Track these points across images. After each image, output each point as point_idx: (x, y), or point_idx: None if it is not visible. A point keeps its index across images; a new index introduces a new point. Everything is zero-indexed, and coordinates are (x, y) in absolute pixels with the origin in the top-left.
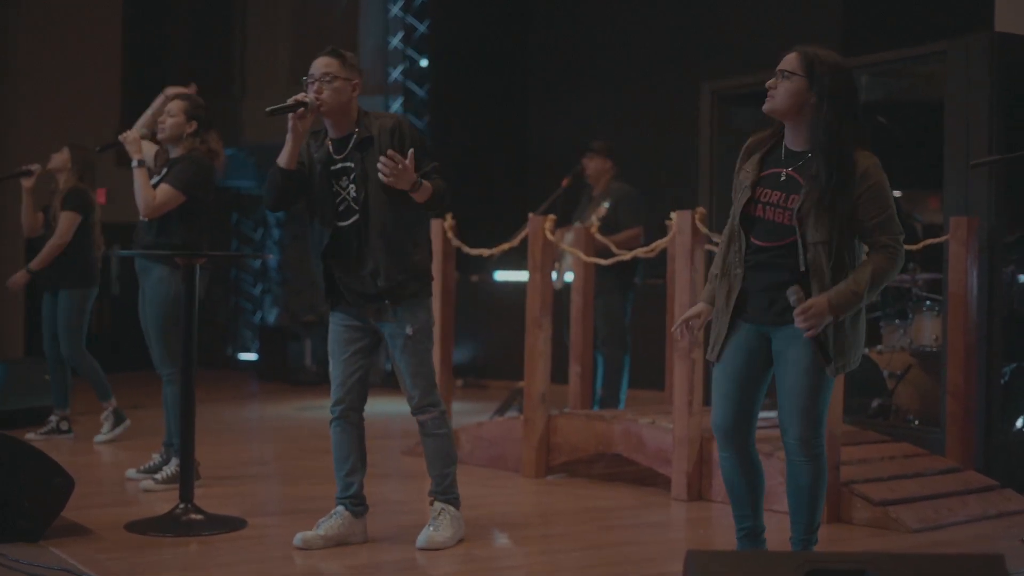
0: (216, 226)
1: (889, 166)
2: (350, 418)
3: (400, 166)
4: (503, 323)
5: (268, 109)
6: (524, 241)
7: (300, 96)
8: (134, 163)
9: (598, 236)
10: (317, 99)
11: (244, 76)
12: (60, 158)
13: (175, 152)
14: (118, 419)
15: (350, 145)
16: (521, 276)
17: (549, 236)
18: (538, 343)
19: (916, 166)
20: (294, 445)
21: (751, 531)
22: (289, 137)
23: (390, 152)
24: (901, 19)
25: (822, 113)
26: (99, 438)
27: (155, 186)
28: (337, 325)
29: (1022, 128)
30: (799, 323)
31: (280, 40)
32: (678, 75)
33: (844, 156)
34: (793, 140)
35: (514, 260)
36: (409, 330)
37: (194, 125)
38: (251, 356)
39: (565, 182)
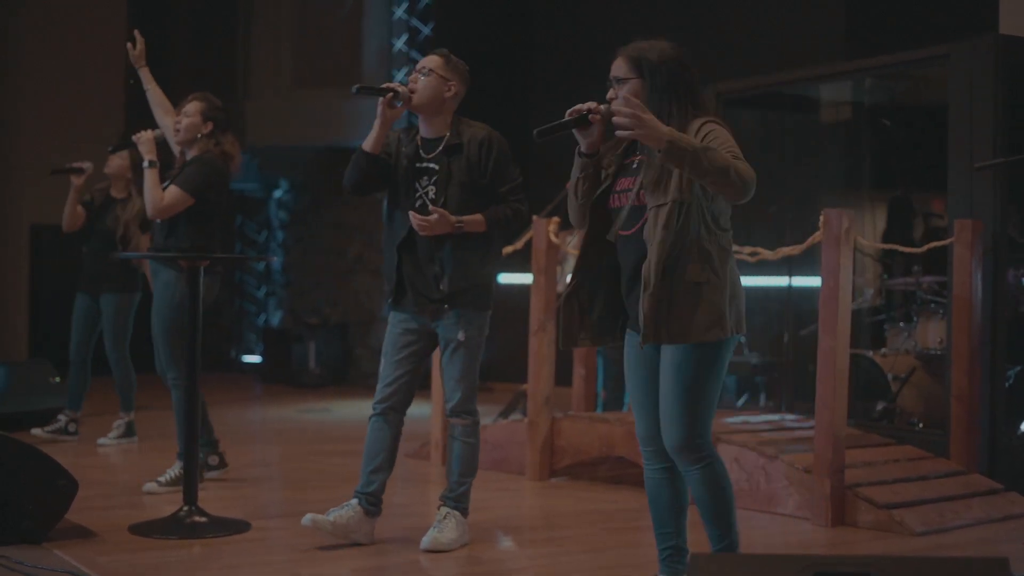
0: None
1: (893, 169)
2: (390, 418)
3: (432, 220)
4: (507, 326)
5: (355, 87)
6: (528, 244)
7: (393, 84)
8: (145, 163)
9: None
10: (411, 89)
11: (247, 78)
12: (119, 164)
13: (191, 153)
14: (128, 432)
15: (439, 148)
16: (525, 279)
17: (553, 239)
18: (542, 346)
19: (920, 169)
20: (298, 447)
21: (675, 550)
22: (377, 122)
23: (432, 209)
24: (904, 22)
25: (660, 105)
26: (103, 440)
27: (165, 187)
28: (395, 326)
29: None
30: (615, 107)
31: (283, 42)
32: None
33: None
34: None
35: (518, 263)
36: (461, 335)
37: (210, 126)
38: (255, 358)
39: (569, 185)
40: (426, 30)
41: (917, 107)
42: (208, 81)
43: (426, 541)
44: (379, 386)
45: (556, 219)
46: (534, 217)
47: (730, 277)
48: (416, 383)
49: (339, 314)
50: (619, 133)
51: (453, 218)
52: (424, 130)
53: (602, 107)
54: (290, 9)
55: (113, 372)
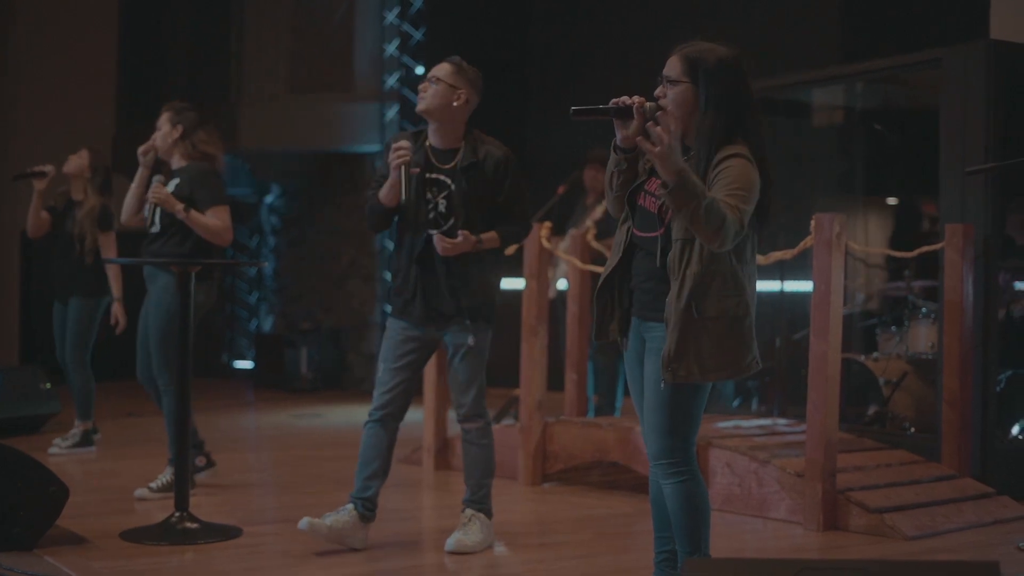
0: None
1: (885, 173)
2: (387, 424)
3: (457, 242)
4: (499, 331)
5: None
6: (520, 249)
7: (403, 162)
8: (180, 216)
9: (594, 243)
10: (420, 94)
11: (241, 82)
12: (78, 162)
13: (176, 162)
14: (85, 441)
15: (454, 161)
16: (517, 284)
17: (545, 244)
18: (534, 351)
19: (912, 173)
20: (290, 453)
21: (670, 556)
22: (389, 184)
23: (462, 233)
24: (898, 26)
25: (707, 114)
26: (53, 449)
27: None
28: (396, 333)
29: (1018, 135)
30: (660, 115)
31: (276, 47)
32: None
33: (712, 152)
34: (686, 137)
35: (510, 268)
36: (471, 340)
37: (180, 129)
38: (247, 364)
39: (561, 190)
40: (418, 35)
41: (909, 111)
42: (201, 86)
43: (451, 543)
44: (377, 392)
45: (548, 224)
46: None
47: (747, 313)
48: (413, 390)
49: (332, 319)
50: (639, 141)
51: (474, 238)
52: (434, 139)
53: (648, 104)
54: (283, 15)
55: (70, 378)
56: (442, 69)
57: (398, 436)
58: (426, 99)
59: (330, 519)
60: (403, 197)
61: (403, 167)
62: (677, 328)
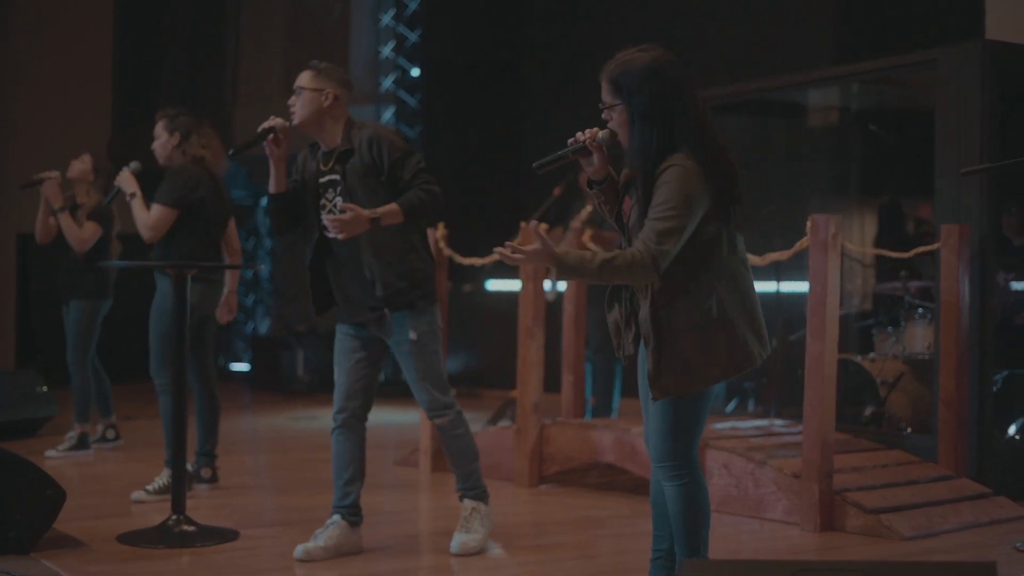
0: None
1: (881, 173)
2: (352, 427)
3: (346, 219)
4: (496, 333)
5: (231, 152)
6: None
7: (265, 124)
8: (128, 197)
9: (590, 244)
10: (291, 110)
11: (236, 86)
12: (81, 167)
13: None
14: (81, 444)
15: (333, 157)
16: (514, 285)
17: None
18: (531, 352)
19: (908, 174)
20: (287, 455)
21: (667, 555)
22: (271, 163)
23: (341, 205)
24: (892, 27)
25: (635, 132)
26: (51, 452)
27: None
28: (342, 334)
29: (1013, 136)
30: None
31: (272, 50)
32: None
33: (651, 169)
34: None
35: (506, 269)
36: (412, 335)
37: (177, 137)
38: (243, 366)
39: (557, 191)
40: (413, 36)
41: (905, 112)
42: (197, 89)
43: (455, 545)
44: (336, 395)
45: (544, 225)
46: (522, 224)
47: (726, 314)
48: (373, 388)
49: (327, 322)
50: (522, 260)
51: (367, 212)
52: (322, 143)
53: (600, 133)
54: (280, 18)
55: (71, 380)
56: (303, 77)
57: (393, 438)
58: (296, 111)
59: (322, 538)
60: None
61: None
62: (654, 345)
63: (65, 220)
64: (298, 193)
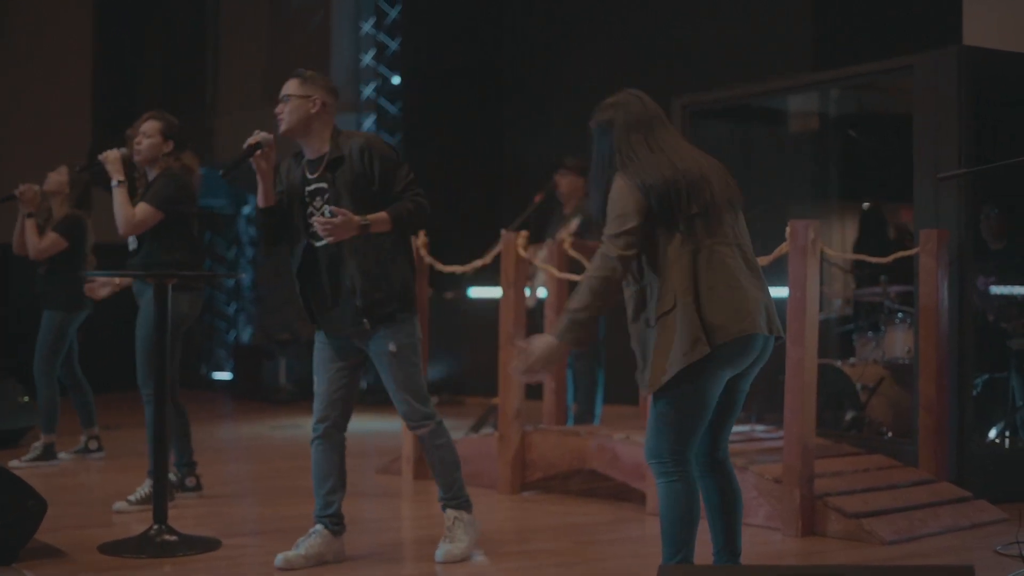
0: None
1: (860, 178)
2: (332, 436)
3: (336, 222)
4: (477, 340)
5: (222, 172)
6: (497, 258)
7: (250, 140)
8: (114, 183)
9: (571, 252)
10: (278, 118)
11: (216, 94)
12: (57, 180)
13: (152, 173)
14: (46, 455)
15: (322, 165)
16: (495, 293)
17: (522, 253)
18: (512, 359)
19: (887, 179)
20: (269, 464)
21: (725, 548)
22: (258, 177)
23: (333, 208)
24: (870, 33)
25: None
26: (15, 463)
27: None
28: (322, 343)
29: (990, 141)
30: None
31: (252, 58)
32: (650, 91)
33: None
34: None
35: (488, 277)
36: (392, 347)
37: (170, 145)
38: (225, 375)
39: (538, 199)
40: (394, 45)
41: (883, 117)
42: (177, 98)
43: (439, 554)
44: (316, 405)
45: (525, 233)
46: (503, 231)
47: (674, 304)
48: (353, 397)
49: (309, 330)
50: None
51: (357, 218)
52: (307, 152)
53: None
54: (260, 26)
55: (37, 390)
56: (290, 85)
57: (373, 446)
58: (284, 118)
59: (303, 547)
60: (276, 189)
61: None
62: (638, 343)
63: (30, 226)
64: (285, 205)
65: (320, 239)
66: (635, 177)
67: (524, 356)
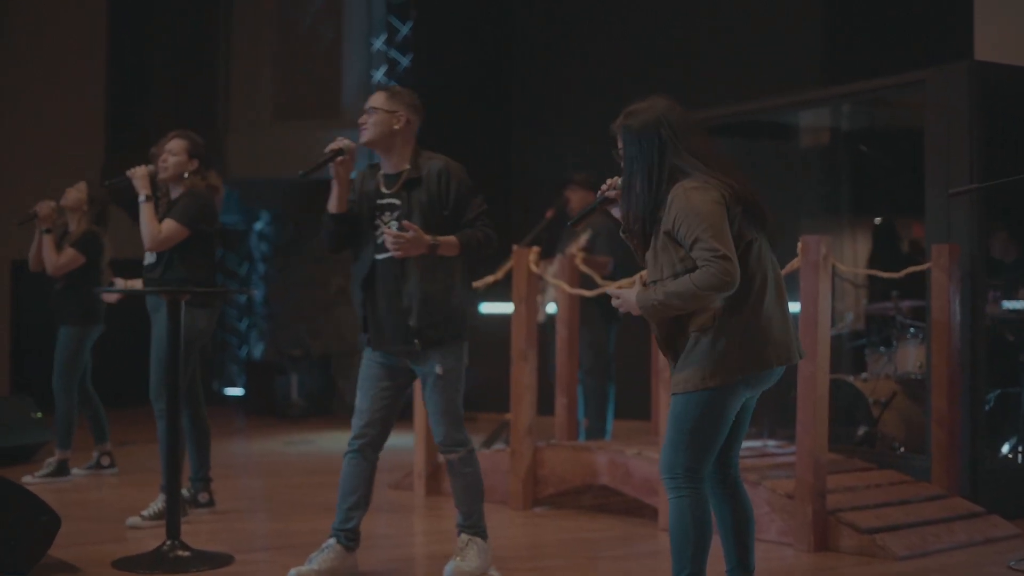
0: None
1: (871, 193)
2: (367, 454)
3: (407, 238)
4: (489, 355)
5: (301, 173)
6: (509, 273)
7: (334, 145)
8: (141, 198)
9: (582, 267)
10: (361, 128)
11: (228, 110)
12: (76, 196)
13: (176, 191)
14: (60, 471)
15: (399, 182)
16: (506, 308)
17: (533, 268)
18: (524, 375)
19: (898, 194)
20: (281, 480)
21: (738, 566)
22: (334, 183)
23: (405, 223)
24: (881, 48)
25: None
26: (28, 479)
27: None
28: (370, 359)
29: (1002, 156)
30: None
31: (263, 75)
32: None
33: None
34: None
35: (499, 292)
36: (439, 369)
37: (196, 163)
38: (237, 391)
39: (549, 214)
40: (405, 61)
41: (894, 133)
42: (188, 114)
43: (448, 570)
44: (355, 422)
45: (536, 248)
46: (514, 247)
47: (737, 320)
48: (393, 419)
49: (321, 346)
50: (617, 306)
51: (428, 237)
52: (385, 166)
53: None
54: (270, 42)
55: (55, 406)
56: (377, 98)
57: (387, 462)
58: (368, 130)
59: (316, 561)
60: (350, 197)
61: (336, 165)
62: (670, 337)
63: (47, 242)
64: (356, 216)
65: (382, 252)
66: (714, 191)
67: (622, 298)
